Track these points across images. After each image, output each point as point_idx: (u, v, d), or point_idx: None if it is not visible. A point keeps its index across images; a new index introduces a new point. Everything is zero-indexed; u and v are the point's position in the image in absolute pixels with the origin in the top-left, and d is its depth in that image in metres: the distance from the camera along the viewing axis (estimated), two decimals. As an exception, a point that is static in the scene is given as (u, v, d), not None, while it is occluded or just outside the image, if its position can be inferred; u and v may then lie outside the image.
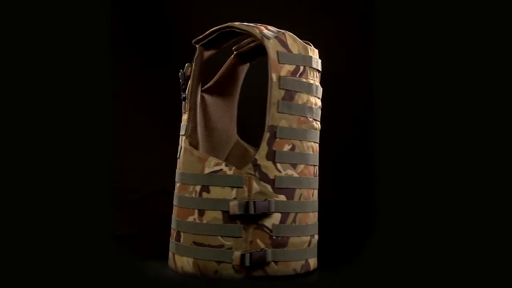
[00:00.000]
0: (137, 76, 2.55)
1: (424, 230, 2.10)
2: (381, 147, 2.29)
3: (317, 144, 2.06)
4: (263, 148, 1.98)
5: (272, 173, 1.98)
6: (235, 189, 1.97)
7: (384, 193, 2.23)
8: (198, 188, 1.99)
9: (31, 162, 2.14)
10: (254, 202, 1.96)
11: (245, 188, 1.97)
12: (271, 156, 1.98)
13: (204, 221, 1.98)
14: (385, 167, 2.25)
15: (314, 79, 2.06)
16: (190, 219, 2.00)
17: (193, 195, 2.00)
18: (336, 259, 2.10)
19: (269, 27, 2.05)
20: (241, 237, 1.96)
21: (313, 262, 2.07)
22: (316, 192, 2.07)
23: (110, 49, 2.42)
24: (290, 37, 2.03)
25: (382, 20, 2.31)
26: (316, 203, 2.07)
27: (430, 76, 2.17)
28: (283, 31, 2.04)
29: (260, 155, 1.98)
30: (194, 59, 2.09)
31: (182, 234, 2.02)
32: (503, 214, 2.04)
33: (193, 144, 2.07)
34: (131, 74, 2.55)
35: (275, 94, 1.99)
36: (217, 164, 1.98)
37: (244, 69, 2.21)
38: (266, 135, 1.98)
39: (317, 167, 2.07)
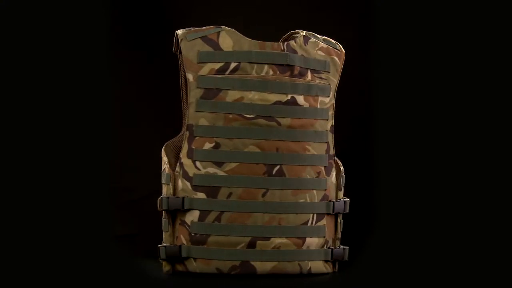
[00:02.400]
0: (137, 76, 2.55)
1: (424, 230, 2.10)
2: (381, 147, 2.29)
3: (273, 141, 2.02)
4: (185, 146, 2.03)
5: (191, 171, 2.02)
6: (166, 186, 2.05)
7: (384, 193, 2.23)
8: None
9: (31, 162, 2.14)
10: (168, 198, 2.02)
11: (171, 185, 2.03)
12: (190, 154, 2.02)
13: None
14: (385, 167, 2.25)
15: (264, 75, 2.02)
16: None
17: None
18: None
19: (223, 27, 2.06)
20: (167, 232, 2.04)
21: (269, 266, 2.01)
22: (273, 192, 2.02)
23: (110, 49, 2.42)
24: (226, 34, 2.04)
25: (382, 20, 2.31)
26: (272, 204, 2.01)
27: (430, 76, 2.17)
28: (222, 28, 2.05)
29: (183, 153, 2.03)
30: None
31: None
32: (503, 214, 2.04)
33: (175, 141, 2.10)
34: (131, 74, 2.55)
35: (192, 93, 2.02)
36: (164, 163, 2.06)
37: None
38: (186, 134, 2.03)
39: (280, 166, 2.01)
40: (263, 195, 2.01)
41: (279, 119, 2.02)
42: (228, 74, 2.02)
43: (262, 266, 2.01)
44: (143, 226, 2.49)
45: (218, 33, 2.05)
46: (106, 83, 2.39)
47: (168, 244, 2.03)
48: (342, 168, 2.11)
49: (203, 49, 2.03)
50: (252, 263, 2.01)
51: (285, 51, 2.04)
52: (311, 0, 2.55)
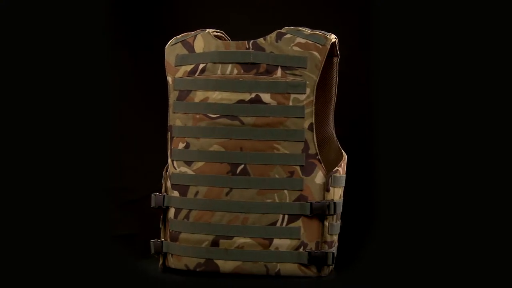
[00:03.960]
0: (137, 75, 2.55)
1: (424, 230, 2.10)
2: (381, 147, 2.29)
3: (237, 141, 2.02)
4: (168, 147, 2.09)
5: (171, 170, 2.08)
6: (163, 185, 2.12)
7: (384, 193, 2.23)
8: None
9: (30, 161, 2.14)
10: (155, 196, 2.10)
11: (163, 183, 2.10)
12: (171, 154, 2.08)
13: None
14: (385, 167, 2.25)
15: (228, 74, 2.03)
16: None
17: None
18: (335, 259, 2.10)
19: (205, 30, 2.09)
20: (161, 228, 2.11)
21: (232, 265, 2.01)
22: (237, 191, 2.01)
23: (110, 49, 2.42)
24: (200, 37, 2.07)
25: (382, 20, 2.31)
26: (235, 203, 2.01)
27: (430, 76, 2.17)
28: (203, 31, 2.08)
29: (168, 153, 2.10)
30: None
31: None
32: (503, 214, 2.04)
33: None
34: (131, 74, 2.55)
35: (171, 95, 2.09)
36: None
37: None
38: (168, 135, 2.09)
39: (244, 165, 2.01)
40: (227, 194, 2.02)
41: (243, 118, 2.02)
42: (197, 75, 2.05)
43: (224, 265, 2.01)
44: (143, 226, 2.49)
45: (195, 36, 2.08)
46: (106, 83, 2.40)
47: (156, 240, 2.10)
48: (339, 168, 2.07)
49: (180, 52, 2.09)
50: (216, 261, 2.02)
51: (250, 49, 2.03)
52: (311, 0, 2.55)
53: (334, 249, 2.07)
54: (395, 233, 2.15)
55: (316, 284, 2.01)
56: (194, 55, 2.07)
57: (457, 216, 2.08)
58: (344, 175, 2.11)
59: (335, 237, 2.08)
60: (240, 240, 2.01)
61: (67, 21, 2.26)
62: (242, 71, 2.03)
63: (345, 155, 2.11)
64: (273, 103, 2.01)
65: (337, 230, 2.09)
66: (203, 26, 2.16)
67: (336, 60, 2.15)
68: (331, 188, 2.04)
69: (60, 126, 2.21)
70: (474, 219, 2.06)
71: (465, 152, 2.10)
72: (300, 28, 2.06)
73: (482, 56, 2.11)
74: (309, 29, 2.07)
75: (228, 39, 2.13)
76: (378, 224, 2.24)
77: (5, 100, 2.14)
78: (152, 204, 2.11)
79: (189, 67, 2.07)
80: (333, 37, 2.08)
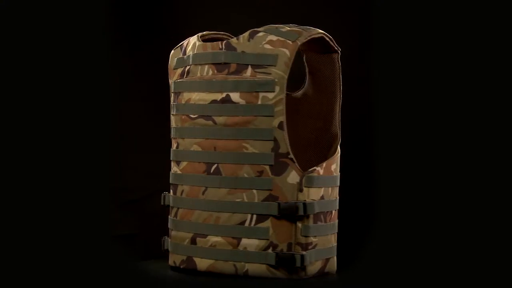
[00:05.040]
0: (137, 75, 2.55)
1: (424, 230, 2.10)
2: (381, 147, 2.29)
3: (211, 140, 2.02)
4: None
5: (171, 170, 2.13)
6: None
7: (384, 193, 2.23)
8: None
9: (30, 161, 2.14)
10: (163, 195, 2.14)
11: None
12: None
13: None
14: (385, 167, 2.25)
15: (205, 75, 2.04)
16: None
17: None
18: (335, 259, 2.10)
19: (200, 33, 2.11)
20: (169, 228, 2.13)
21: (207, 263, 2.02)
22: (211, 190, 2.02)
23: (110, 49, 2.42)
24: (191, 40, 2.10)
25: (382, 20, 2.31)
26: (209, 202, 2.02)
27: (430, 76, 2.17)
28: (196, 35, 2.10)
29: None
30: None
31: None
32: (503, 214, 2.04)
33: None
34: (131, 74, 2.55)
35: (172, 98, 2.12)
36: None
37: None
38: (171, 136, 2.13)
39: (217, 165, 2.01)
40: (203, 193, 2.03)
41: (215, 117, 2.03)
42: (185, 77, 2.08)
43: (200, 263, 2.03)
44: (143, 226, 2.49)
45: (189, 40, 2.11)
46: (106, 83, 2.40)
47: (165, 237, 2.14)
48: (318, 168, 2.01)
49: (178, 56, 2.13)
50: (194, 259, 2.04)
51: (222, 50, 2.03)
52: (311, 0, 2.55)
53: (312, 252, 2.00)
54: (395, 233, 2.15)
55: (316, 284, 2.01)
56: (184, 58, 2.10)
57: (457, 216, 2.08)
58: (334, 175, 2.05)
59: (315, 239, 2.01)
60: (213, 239, 2.02)
61: (67, 21, 2.25)
62: (215, 71, 2.04)
63: (335, 154, 2.08)
64: (242, 102, 2.00)
65: (319, 231, 2.01)
66: (203, 26, 2.16)
67: (336, 56, 2.13)
68: (304, 188, 1.99)
69: (60, 126, 2.21)
70: (474, 218, 2.06)
71: (465, 152, 2.10)
72: (282, 25, 2.04)
73: (482, 56, 2.11)
74: (296, 25, 2.04)
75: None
76: (378, 224, 2.24)
77: (5, 100, 2.14)
78: (161, 203, 2.14)
79: (180, 70, 2.10)
80: (315, 33, 2.05)
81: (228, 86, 2.01)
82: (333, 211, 2.06)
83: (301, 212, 1.97)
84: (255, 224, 1.99)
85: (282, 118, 1.99)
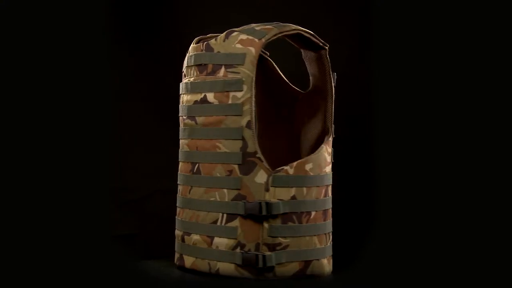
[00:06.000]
0: (138, 75, 2.55)
1: (424, 230, 2.10)
2: (381, 147, 2.29)
3: (194, 140, 2.04)
4: None
5: None
6: None
7: (384, 193, 2.23)
8: None
9: (30, 161, 2.14)
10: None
11: None
12: None
13: None
14: (385, 167, 2.25)
15: (193, 76, 2.06)
16: None
17: None
18: (335, 259, 2.10)
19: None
20: None
21: (190, 261, 2.04)
22: (194, 189, 2.04)
23: (110, 49, 2.42)
24: (192, 44, 2.10)
25: (382, 20, 2.31)
26: (193, 201, 2.04)
27: (430, 75, 2.17)
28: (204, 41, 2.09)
29: None
30: None
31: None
32: (503, 214, 2.04)
33: None
34: (132, 74, 2.55)
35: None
36: None
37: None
38: None
39: (198, 164, 2.03)
40: (189, 192, 2.06)
41: (197, 118, 2.05)
42: (183, 80, 2.11)
43: (187, 261, 2.06)
44: (143, 226, 2.49)
45: (193, 44, 2.11)
46: (107, 83, 2.40)
47: None
48: (287, 168, 1.98)
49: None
50: (184, 256, 2.07)
51: (203, 51, 2.05)
52: (311, 0, 2.55)
53: (282, 253, 1.97)
54: (395, 233, 2.15)
55: (316, 284, 2.01)
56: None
57: (457, 216, 2.08)
58: (311, 175, 1.99)
59: (285, 240, 1.98)
60: (194, 237, 2.05)
61: (67, 21, 2.25)
62: (198, 72, 2.06)
63: (313, 154, 2.04)
64: (216, 102, 2.02)
65: (290, 232, 1.98)
66: (203, 26, 2.16)
67: (324, 52, 2.11)
68: (271, 188, 1.98)
69: (60, 126, 2.21)
70: (473, 218, 2.06)
71: (464, 152, 2.10)
72: (260, 24, 2.03)
73: (482, 56, 2.11)
74: (275, 23, 2.03)
75: None
76: (378, 224, 2.24)
77: (5, 100, 2.14)
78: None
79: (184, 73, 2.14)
80: (288, 29, 2.03)
81: (206, 87, 2.03)
82: (313, 212, 2.01)
83: (264, 212, 1.97)
84: (225, 223, 2.00)
85: (250, 117, 1.99)
